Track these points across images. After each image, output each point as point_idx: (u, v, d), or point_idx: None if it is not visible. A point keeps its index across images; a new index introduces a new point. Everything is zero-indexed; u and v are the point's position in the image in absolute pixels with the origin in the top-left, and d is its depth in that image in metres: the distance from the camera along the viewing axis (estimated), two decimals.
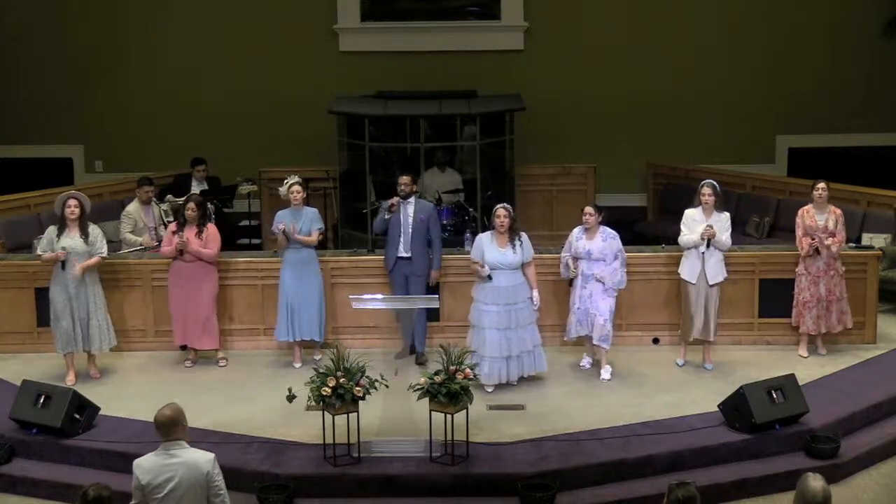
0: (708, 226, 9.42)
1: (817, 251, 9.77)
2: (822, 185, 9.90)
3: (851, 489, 7.95)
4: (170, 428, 5.67)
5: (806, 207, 9.98)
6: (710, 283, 9.49)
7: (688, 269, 9.58)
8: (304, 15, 15.35)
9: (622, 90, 15.32)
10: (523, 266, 9.31)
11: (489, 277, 9.17)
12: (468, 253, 10.04)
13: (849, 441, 8.34)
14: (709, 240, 9.42)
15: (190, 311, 9.80)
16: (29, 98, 15.50)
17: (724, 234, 9.50)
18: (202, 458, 5.67)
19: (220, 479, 5.68)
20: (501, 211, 9.28)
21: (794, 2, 15.29)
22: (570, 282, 9.65)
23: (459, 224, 12.10)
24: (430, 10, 15.44)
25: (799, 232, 9.95)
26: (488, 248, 9.24)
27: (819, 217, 9.84)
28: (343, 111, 13.04)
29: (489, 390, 9.24)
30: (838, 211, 9.95)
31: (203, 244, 9.76)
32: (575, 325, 9.59)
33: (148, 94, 15.47)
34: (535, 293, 9.36)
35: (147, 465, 5.66)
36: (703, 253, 9.45)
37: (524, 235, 9.36)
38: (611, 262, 9.43)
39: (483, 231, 10.12)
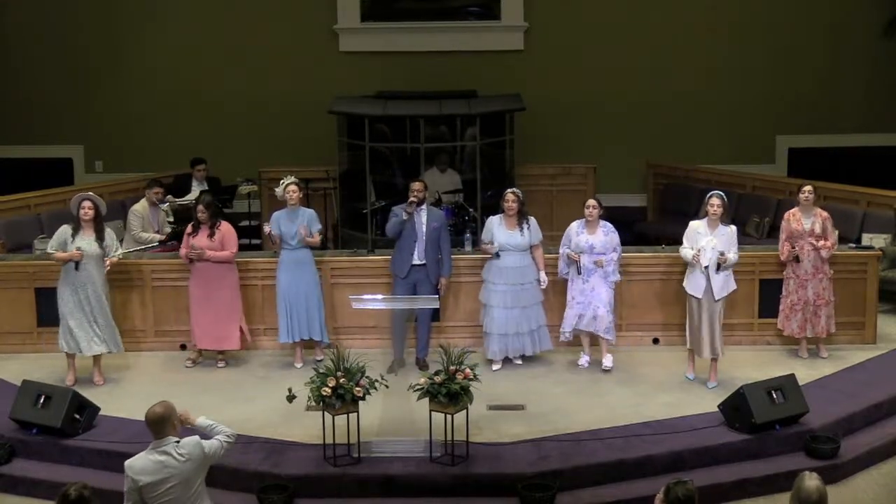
0: (720, 252, 9.11)
1: (797, 258, 9.76)
2: (808, 188, 9.85)
3: (851, 489, 7.95)
4: (161, 425, 5.70)
5: (792, 211, 9.94)
6: (717, 297, 9.21)
7: (693, 284, 9.29)
8: (304, 15, 15.36)
9: (622, 90, 15.33)
10: (532, 248, 9.67)
11: (497, 255, 9.61)
12: (468, 253, 10.18)
13: (849, 441, 8.33)
14: (719, 264, 9.13)
15: (210, 313, 9.79)
16: (29, 98, 15.51)
17: (730, 252, 9.23)
18: (197, 447, 5.75)
19: (213, 445, 5.83)
20: (510, 195, 9.69)
21: (794, 2, 15.30)
22: (578, 268, 9.62)
23: (459, 224, 12.10)
24: (430, 10, 15.45)
25: (782, 236, 9.91)
26: (497, 229, 9.67)
27: (805, 221, 9.79)
28: (343, 111, 13.04)
29: (495, 368, 9.58)
30: (825, 214, 9.87)
31: (218, 245, 9.75)
32: (574, 319, 9.67)
33: (148, 94, 15.49)
34: (543, 274, 9.73)
35: (140, 466, 5.67)
36: (706, 268, 9.18)
37: (532, 219, 9.73)
38: (609, 254, 9.62)
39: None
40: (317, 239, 9.83)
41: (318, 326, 9.86)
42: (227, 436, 5.95)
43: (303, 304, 9.77)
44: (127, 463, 5.72)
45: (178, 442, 5.72)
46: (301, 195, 9.92)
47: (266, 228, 9.87)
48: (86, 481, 5.67)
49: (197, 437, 5.81)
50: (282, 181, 9.87)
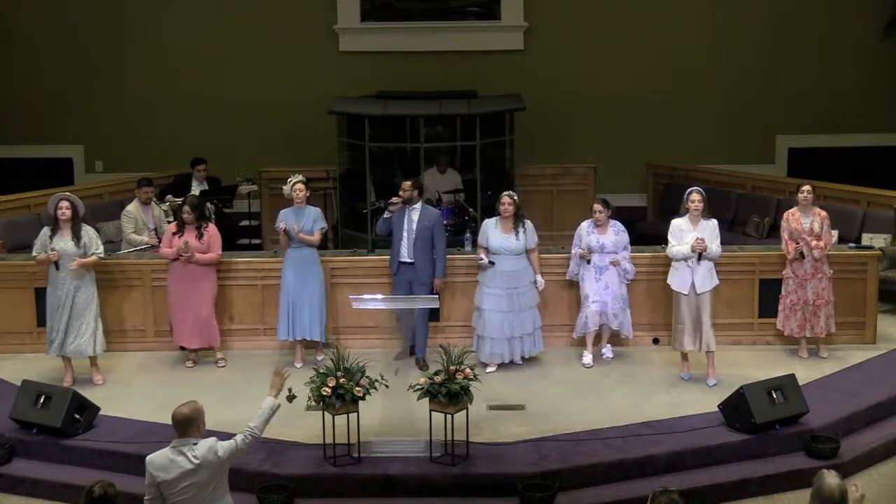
0: (699, 239, 9.19)
1: (802, 255, 9.75)
2: (807, 187, 9.86)
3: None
4: (185, 427, 5.77)
5: (791, 210, 9.94)
6: (699, 291, 9.24)
7: (678, 280, 9.34)
8: (304, 15, 15.36)
9: (622, 90, 15.32)
10: (527, 252, 9.63)
11: (491, 263, 9.56)
12: (469, 253, 10.19)
13: (849, 441, 8.33)
14: (700, 253, 9.20)
15: (189, 311, 9.80)
16: (29, 98, 15.50)
17: (714, 244, 9.28)
18: (210, 451, 5.76)
19: (229, 447, 5.82)
20: (506, 198, 9.67)
21: (794, 2, 15.30)
22: (590, 263, 9.74)
23: (459, 224, 12.11)
24: (429, 10, 15.44)
25: (785, 235, 9.91)
26: (492, 233, 9.63)
27: (804, 220, 9.79)
28: (343, 111, 13.04)
29: (490, 369, 9.55)
30: (823, 213, 9.88)
31: (205, 247, 9.76)
32: (592, 318, 9.69)
33: (148, 94, 15.48)
34: (539, 277, 9.72)
35: (159, 462, 5.75)
36: (693, 262, 9.24)
37: (528, 223, 9.70)
38: (622, 253, 9.75)
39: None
40: (316, 237, 9.85)
41: (319, 327, 9.87)
42: (245, 436, 5.95)
43: (306, 302, 9.79)
44: (148, 458, 5.81)
45: (195, 444, 5.75)
46: (308, 194, 9.94)
47: (280, 225, 9.80)
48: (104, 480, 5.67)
49: (211, 441, 5.82)
50: (289, 179, 9.90)
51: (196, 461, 5.71)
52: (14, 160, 15.44)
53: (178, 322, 9.88)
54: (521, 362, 9.79)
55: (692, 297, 9.29)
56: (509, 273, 9.57)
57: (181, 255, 9.71)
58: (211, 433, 8.21)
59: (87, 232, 9.44)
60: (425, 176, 12.49)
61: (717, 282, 9.40)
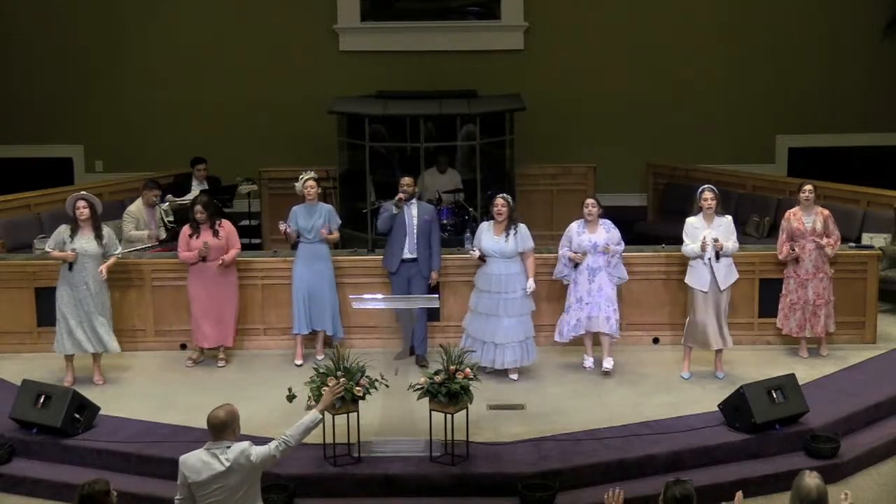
0: (714, 239, 9.23)
1: (797, 259, 9.75)
2: (808, 186, 9.86)
3: (851, 489, 7.88)
4: (220, 430, 5.77)
5: (793, 210, 9.95)
6: (722, 287, 9.29)
7: (696, 278, 9.34)
8: (304, 15, 15.37)
9: (622, 90, 15.34)
10: (522, 256, 9.47)
11: (482, 260, 9.46)
12: (468, 252, 10.17)
13: (849, 441, 8.34)
14: (717, 252, 9.22)
15: (216, 311, 9.80)
16: (29, 98, 15.51)
17: (730, 241, 9.34)
18: (242, 455, 5.74)
19: (262, 453, 5.80)
20: (499, 200, 9.53)
21: (794, 2, 15.31)
22: (578, 266, 9.58)
23: (459, 224, 12.11)
24: (429, 10, 15.47)
25: (783, 236, 9.91)
26: (485, 235, 9.53)
27: (806, 219, 9.79)
28: (343, 111, 13.04)
29: (489, 371, 9.38)
30: (826, 212, 9.89)
31: (225, 244, 9.78)
32: (579, 322, 9.52)
33: (148, 94, 15.49)
34: (531, 281, 9.49)
35: (191, 463, 5.76)
36: (709, 260, 9.28)
37: (522, 226, 9.52)
38: (614, 246, 9.58)
39: None
40: (336, 235, 9.94)
41: (332, 319, 9.91)
42: (280, 443, 5.93)
43: (318, 295, 9.83)
44: (181, 458, 5.82)
45: (228, 447, 5.75)
46: (319, 191, 9.97)
47: (282, 226, 9.85)
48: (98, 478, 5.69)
49: (245, 445, 5.81)
50: (300, 176, 9.93)
51: (227, 464, 5.70)
52: (14, 160, 15.45)
53: (202, 324, 9.83)
54: (515, 377, 9.51)
55: (712, 294, 9.29)
56: (500, 276, 9.39)
57: (203, 258, 9.70)
58: None
59: (107, 231, 9.48)
60: (425, 176, 12.51)
61: (736, 275, 9.42)
